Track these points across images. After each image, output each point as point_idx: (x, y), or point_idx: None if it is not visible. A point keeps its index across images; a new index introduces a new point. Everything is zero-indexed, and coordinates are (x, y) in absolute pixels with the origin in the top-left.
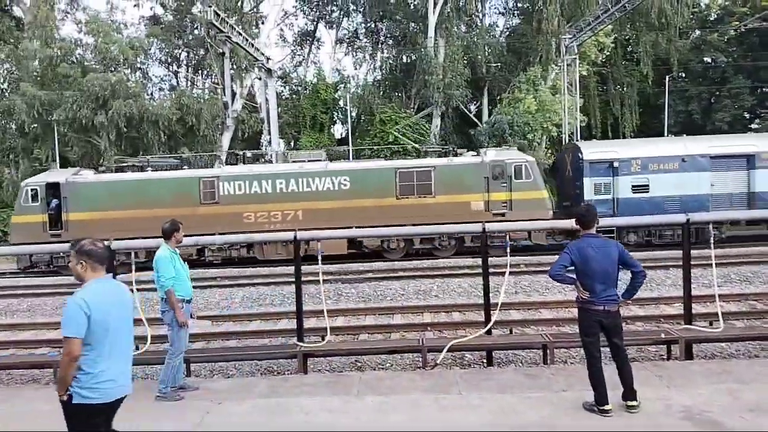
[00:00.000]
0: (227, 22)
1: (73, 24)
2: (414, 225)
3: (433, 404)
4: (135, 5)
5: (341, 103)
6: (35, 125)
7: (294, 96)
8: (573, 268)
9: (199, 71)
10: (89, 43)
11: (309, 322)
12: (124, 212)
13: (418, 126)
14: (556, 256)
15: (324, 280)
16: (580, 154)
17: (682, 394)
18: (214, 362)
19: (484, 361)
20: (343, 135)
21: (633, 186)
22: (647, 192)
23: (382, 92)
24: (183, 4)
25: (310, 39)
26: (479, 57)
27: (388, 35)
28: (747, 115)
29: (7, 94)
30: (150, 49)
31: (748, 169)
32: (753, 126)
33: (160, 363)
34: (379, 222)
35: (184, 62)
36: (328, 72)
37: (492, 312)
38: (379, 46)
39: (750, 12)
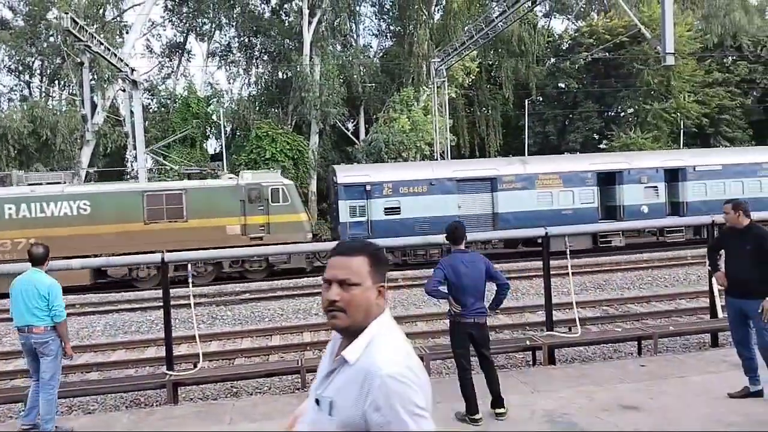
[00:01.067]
0: (86, 30)
1: None
2: (167, 251)
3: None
4: None
5: (215, 117)
6: None
7: (163, 109)
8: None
9: (56, 81)
10: None
11: (179, 349)
12: None
13: (297, 143)
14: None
15: (196, 303)
16: (335, 178)
17: (546, 398)
18: (73, 397)
19: None
20: (218, 150)
21: (386, 208)
22: (399, 214)
23: (258, 107)
24: (36, 9)
25: (180, 51)
26: (355, 76)
27: (263, 50)
28: (596, 136)
29: None
30: None
31: (491, 192)
32: (601, 146)
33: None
34: (126, 249)
35: (38, 71)
36: (200, 85)
37: None
38: (254, 61)
39: (595, 43)
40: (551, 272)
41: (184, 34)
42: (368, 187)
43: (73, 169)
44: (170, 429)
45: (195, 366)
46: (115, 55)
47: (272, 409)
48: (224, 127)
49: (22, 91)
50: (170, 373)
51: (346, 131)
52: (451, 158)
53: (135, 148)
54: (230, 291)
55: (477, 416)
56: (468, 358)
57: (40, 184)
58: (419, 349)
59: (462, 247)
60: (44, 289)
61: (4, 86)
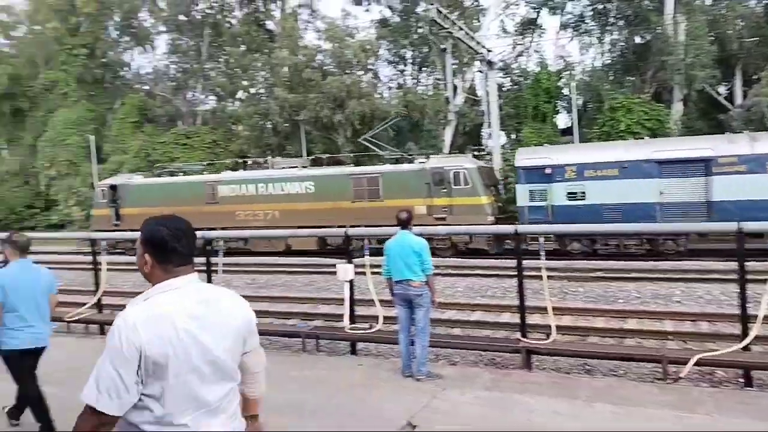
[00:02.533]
0: (449, 18)
1: (314, 32)
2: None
3: (675, 422)
4: (366, 10)
5: (565, 91)
6: (286, 125)
7: (515, 87)
8: None
9: (424, 68)
10: (327, 49)
11: (532, 318)
12: (155, 208)
13: (656, 112)
14: None
15: (549, 277)
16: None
17: None
18: (440, 347)
19: (741, 380)
20: (568, 125)
21: (568, 193)
22: (584, 200)
23: (611, 77)
24: (408, 5)
25: (532, 27)
26: (729, 32)
27: (618, 15)
28: None
29: (263, 98)
30: (379, 51)
31: (705, 176)
32: None
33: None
34: (338, 223)
35: (410, 61)
36: (551, 60)
37: (751, 324)
38: (608, 28)
39: None
40: None
41: (537, 10)
42: (548, 170)
43: (438, 146)
44: (526, 394)
45: (547, 337)
46: (473, 39)
47: (630, 394)
48: (575, 100)
49: (397, 79)
50: (524, 340)
51: (716, 96)
52: None
53: (490, 126)
54: (581, 267)
55: None
56: None
57: (283, 167)
58: None
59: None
60: (417, 247)
61: (385, 76)
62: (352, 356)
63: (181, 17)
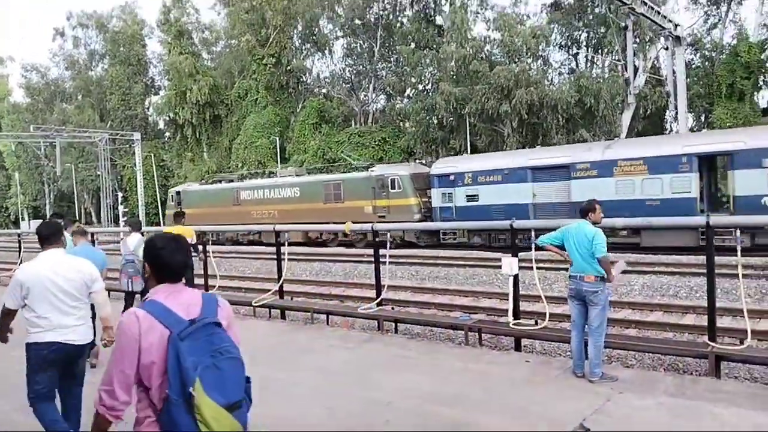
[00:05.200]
0: None
1: (483, 23)
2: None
3: None
4: None
5: None
6: (451, 119)
7: (707, 63)
8: None
9: (599, 50)
10: (496, 39)
11: (722, 321)
12: (204, 210)
13: None
14: None
15: (744, 275)
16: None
17: None
18: (613, 348)
19: None
20: None
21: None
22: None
23: None
24: None
25: None
26: None
27: None
28: None
29: (430, 93)
30: (551, 36)
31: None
32: None
33: (557, 340)
34: (312, 220)
35: (584, 43)
36: (752, 30)
37: None
38: None
39: None
40: None
41: None
42: (452, 177)
43: (614, 132)
44: (718, 404)
45: (741, 342)
46: (659, 13)
47: None
48: None
49: (570, 64)
50: (712, 344)
51: None
52: None
53: (676, 108)
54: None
55: None
56: None
57: (282, 176)
58: None
59: None
60: (592, 237)
61: (556, 62)
62: (518, 352)
63: (357, 21)
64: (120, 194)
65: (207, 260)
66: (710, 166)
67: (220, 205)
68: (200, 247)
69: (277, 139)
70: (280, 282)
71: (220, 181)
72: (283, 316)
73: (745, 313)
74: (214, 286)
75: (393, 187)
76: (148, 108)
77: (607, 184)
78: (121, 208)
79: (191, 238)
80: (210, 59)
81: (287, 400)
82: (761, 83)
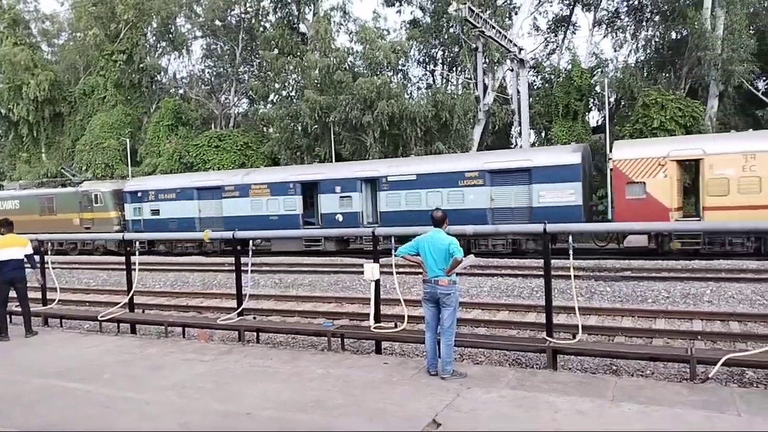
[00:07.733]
0: (481, 17)
1: (345, 34)
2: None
3: (703, 422)
4: (397, 11)
5: (597, 88)
6: (316, 126)
7: (546, 85)
8: None
9: (454, 68)
10: (359, 51)
11: (558, 318)
12: None
13: (690, 109)
14: None
15: (575, 276)
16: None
17: None
18: (464, 347)
19: None
20: (599, 122)
21: (151, 210)
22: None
23: (645, 74)
24: (440, 4)
25: (566, 24)
26: None
27: (654, 11)
28: None
29: (294, 100)
30: (409, 51)
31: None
32: None
33: (414, 342)
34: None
35: (440, 61)
36: (584, 57)
37: None
38: (644, 24)
39: None
40: None
41: (571, 6)
42: (140, 194)
43: (466, 145)
44: (552, 393)
45: (574, 337)
46: (505, 37)
47: (658, 394)
48: (608, 97)
49: (428, 80)
50: (550, 339)
51: (755, 92)
52: None
53: (520, 125)
54: (610, 267)
55: None
56: None
57: (8, 189)
58: None
59: None
60: (447, 245)
61: (415, 76)
62: (377, 355)
63: (217, 22)
64: None
65: (45, 271)
66: (309, 190)
67: None
68: (37, 258)
69: (128, 140)
70: (130, 294)
71: None
72: (133, 331)
73: (577, 311)
74: (53, 300)
75: (96, 202)
76: None
77: (246, 202)
78: None
79: (23, 248)
80: (51, 52)
81: (136, 420)
82: (591, 105)
